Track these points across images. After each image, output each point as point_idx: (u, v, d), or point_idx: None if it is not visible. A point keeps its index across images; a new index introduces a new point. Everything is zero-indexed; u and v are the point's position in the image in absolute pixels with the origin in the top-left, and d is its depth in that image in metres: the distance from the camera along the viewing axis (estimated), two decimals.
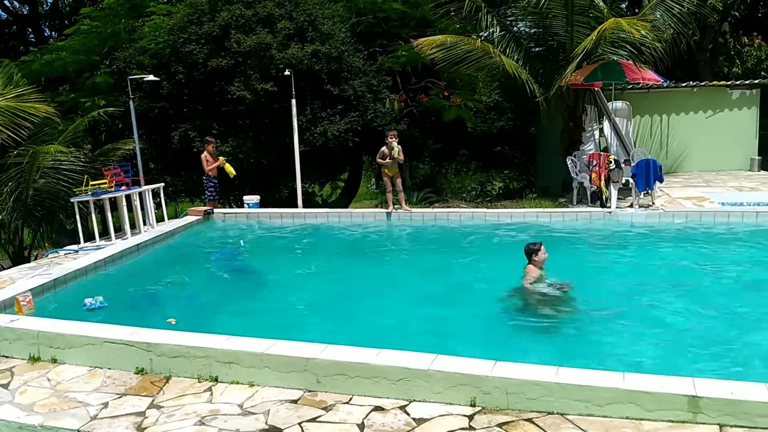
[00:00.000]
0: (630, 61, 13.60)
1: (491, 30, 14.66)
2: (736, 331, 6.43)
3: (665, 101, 16.98)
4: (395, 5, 16.65)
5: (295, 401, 5.00)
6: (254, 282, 9.44)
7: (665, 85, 15.75)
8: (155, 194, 12.81)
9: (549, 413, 4.61)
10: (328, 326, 6.82)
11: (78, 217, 11.00)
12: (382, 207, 13.65)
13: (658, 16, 14.03)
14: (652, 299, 7.51)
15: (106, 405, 5.07)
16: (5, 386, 5.48)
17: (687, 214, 11.38)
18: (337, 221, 12.46)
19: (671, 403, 4.41)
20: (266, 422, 4.68)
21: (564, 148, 14.64)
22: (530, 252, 7.65)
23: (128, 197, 11.57)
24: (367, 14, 16.76)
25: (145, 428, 4.69)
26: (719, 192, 13.59)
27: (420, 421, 4.61)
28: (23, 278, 8.50)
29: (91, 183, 10.99)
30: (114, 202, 11.47)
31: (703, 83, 17.39)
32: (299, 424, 4.64)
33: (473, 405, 4.75)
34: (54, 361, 5.90)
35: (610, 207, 11.86)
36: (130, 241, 10.53)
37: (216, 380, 5.38)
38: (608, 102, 14.58)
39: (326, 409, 4.85)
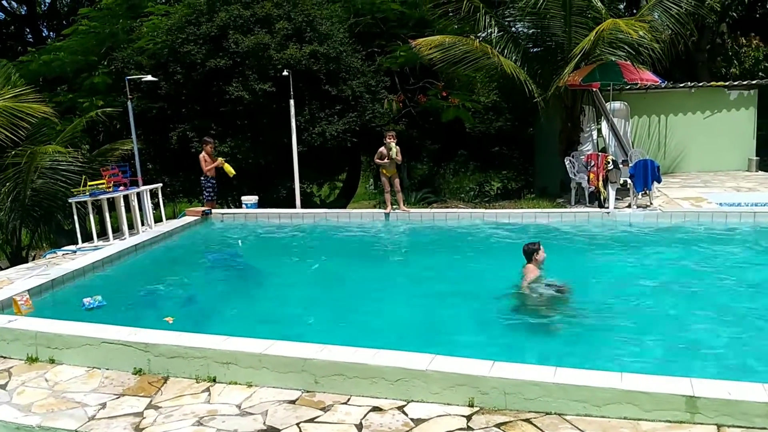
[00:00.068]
0: (628, 62, 13.62)
1: (489, 30, 14.68)
2: (733, 331, 6.44)
3: (663, 102, 17.00)
4: (393, 6, 16.65)
5: (293, 402, 5.00)
6: (252, 282, 9.44)
7: (663, 85, 15.76)
8: (153, 194, 12.82)
9: (547, 413, 4.61)
10: (326, 326, 6.82)
11: (76, 217, 10.99)
12: (380, 207, 13.67)
13: (656, 16, 14.05)
14: (649, 299, 7.53)
15: (104, 405, 5.07)
16: (3, 387, 5.47)
17: (685, 215, 11.39)
18: (335, 222, 12.46)
19: (669, 403, 4.41)
20: (264, 423, 4.68)
21: (562, 149, 14.66)
22: (529, 252, 7.66)
23: (126, 197, 11.55)
24: (365, 15, 16.76)
25: (143, 429, 4.69)
26: (717, 192, 13.61)
27: (418, 421, 4.61)
28: (21, 278, 8.49)
29: (89, 183, 10.98)
30: (112, 203, 11.46)
31: (701, 84, 17.40)
32: (297, 424, 4.64)
33: (471, 405, 4.76)
34: (52, 361, 5.89)
35: (608, 207, 11.87)
36: (128, 241, 10.51)
37: (214, 381, 5.38)
38: (606, 102, 14.60)
39: (324, 409, 4.85)
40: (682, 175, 16.67)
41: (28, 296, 7.07)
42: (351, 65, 15.19)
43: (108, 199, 11.12)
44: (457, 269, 9.20)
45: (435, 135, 19.17)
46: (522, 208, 13.20)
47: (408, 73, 17.09)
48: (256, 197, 13.56)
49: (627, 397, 4.48)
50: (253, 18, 14.59)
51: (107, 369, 5.70)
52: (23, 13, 27.66)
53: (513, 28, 15.59)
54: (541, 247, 7.73)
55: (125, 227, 11.47)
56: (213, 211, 13.00)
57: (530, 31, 15.44)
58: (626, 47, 13.70)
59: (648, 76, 13.57)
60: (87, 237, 11.23)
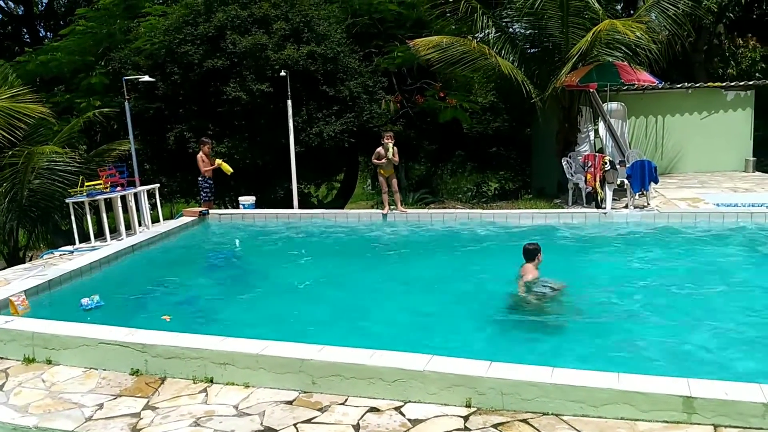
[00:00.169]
0: (625, 63, 13.65)
1: (487, 31, 14.71)
2: (731, 331, 6.45)
3: (660, 102, 17.04)
4: (391, 6, 16.66)
5: (290, 402, 5.00)
6: (250, 283, 9.42)
7: (660, 86, 15.80)
8: (150, 195, 12.80)
9: (544, 414, 4.61)
10: (323, 327, 6.81)
11: (73, 217, 10.97)
12: (378, 208, 13.66)
13: (653, 17, 14.08)
14: (646, 300, 7.54)
15: (101, 406, 5.06)
16: (0, 387, 5.46)
17: (682, 215, 11.41)
18: (332, 222, 12.45)
19: (666, 403, 4.42)
20: (261, 423, 4.68)
21: (559, 149, 14.68)
22: (529, 252, 7.67)
23: (123, 198, 11.54)
24: (362, 15, 16.77)
25: (140, 429, 4.69)
26: (714, 193, 13.64)
27: (415, 422, 4.62)
28: (18, 279, 8.48)
29: (86, 184, 10.97)
30: (109, 203, 11.44)
31: (698, 84, 17.45)
32: (294, 425, 4.64)
33: (468, 406, 4.76)
34: (49, 362, 5.88)
35: (605, 208, 11.88)
36: (126, 242, 10.50)
37: (211, 381, 5.38)
38: (603, 103, 14.63)
39: (321, 410, 4.85)
40: (679, 175, 16.70)
41: (24, 297, 7.06)
42: (348, 66, 15.20)
43: (105, 199, 11.10)
44: (455, 270, 9.20)
45: (432, 135, 19.20)
46: (519, 208, 13.23)
47: (405, 73, 17.10)
48: (254, 198, 13.55)
49: (624, 398, 4.49)
50: (250, 18, 14.59)
51: (104, 369, 5.69)
52: (20, 13, 27.59)
53: (510, 29, 15.63)
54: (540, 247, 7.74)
55: (122, 228, 11.45)
56: (210, 211, 12.98)
57: (527, 32, 15.47)
58: (623, 48, 13.74)
59: (645, 77, 13.59)
60: (84, 237, 11.21)
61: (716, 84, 17.52)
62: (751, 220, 11.03)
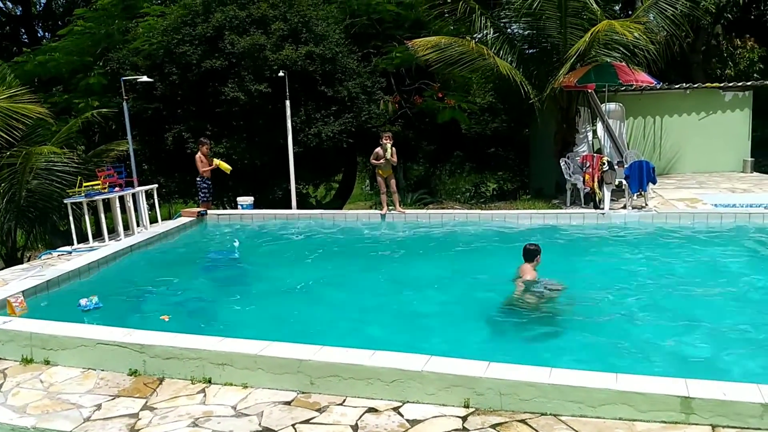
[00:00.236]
0: (623, 63, 13.66)
1: (485, 32, 14.74)
2: (729, 331, 6.46)
3: (658, 103, 17.06)
4: (389, 7, 16.66)
5: (288, 403, 5.00)
6: (247, 283, 9.43)
7: (658, 86, 15.82)
8: (149, 195, 12.80)
9: (542, 414, 4.62)
10: (321, 327, 6.81)
11: (71, 218, 10.96)
12: (376, 208, 13.66)
13: (652, 18, 14.11)
14: (645, 300, 7.55)
15: (99, 407, 5.06)
16: None
17: (680, 216, 11.42)
18: (331, 223, 12.45)
19: (664, 404, 4.43)
20: (260, 424, 4.68)
21: (557, 150, 14.69)
22: (529, 252, 7.67)
23: (122, 198, 11.53)
24: (361, 16, 16.77)
25: (139, 430, 4.69)
26: (712, 193, 13.66)
27: (414, 422, 4.62)
28: (16, 279, 8.46)
29: (84, 184, 10.95)
30: (108, 204, 11.43)
31: (696, 85, 17.47)
32: (293, 425, 4.64)
33: (467, 406, 4.76)
34: (47, 362, 5.87)
35: (603, 208, 11.90)
36: (124, 242, 10.49)
37: (209, 382, 5.37)
38: (601, 104, 14.64)
39: (320, 410, 4.85)
40: (678, 176, 16.72)
41: (22, 297, 7.05)
42: (347, 66, 15.20)
43: (103, 200, 11.08)
44: (453, 270, 9.19)
45: (431, 136, 19.21)
46: (518, 209, 13.23)
47: (404, 74, 17.11)
48: (252, 198, 13.55)
49: (622, 398, 4.49)
50: (248, 19, 14.59)
51: (102, 370, 5.69)
52: (18, 13, 27.58)
53: (509, 30, 15.65)
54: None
55: (120, 228, 11.44)
56: (208, 212, 12.98)
57: (526, 33, 15.49)
58: (621, 48, 13.75)
59: (643, 78, 13.61)
60: (82, 238, 11.20)
61: (714, 84, 17.54)
62: (749, 221, 11.05)
